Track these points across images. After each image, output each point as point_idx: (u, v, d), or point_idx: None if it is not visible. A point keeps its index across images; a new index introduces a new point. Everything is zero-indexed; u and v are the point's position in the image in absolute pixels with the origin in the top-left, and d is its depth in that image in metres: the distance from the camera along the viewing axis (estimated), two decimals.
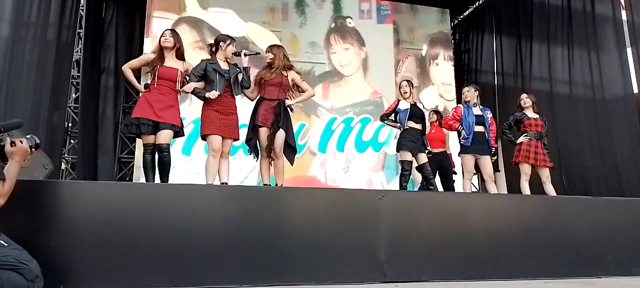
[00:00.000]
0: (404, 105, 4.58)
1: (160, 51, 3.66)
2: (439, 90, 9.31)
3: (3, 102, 5.39)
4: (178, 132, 3.69)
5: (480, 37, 10.08)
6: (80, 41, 7.46)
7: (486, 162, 4.55)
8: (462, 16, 10.45)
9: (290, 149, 3.92)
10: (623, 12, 6.32)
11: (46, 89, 6.11)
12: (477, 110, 4.65)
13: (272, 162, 3.87)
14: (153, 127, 3.51)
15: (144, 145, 3.57)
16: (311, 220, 2.75)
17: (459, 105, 4.82)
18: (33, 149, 2.19)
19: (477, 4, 9.90)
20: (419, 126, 4.52)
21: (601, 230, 3.29)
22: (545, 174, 4.53)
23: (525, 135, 4.71)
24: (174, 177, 4.84)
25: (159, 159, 3.53)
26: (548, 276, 2.99)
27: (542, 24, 7.91)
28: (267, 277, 2.51)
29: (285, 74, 3.91)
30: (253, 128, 3.89)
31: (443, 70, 9.52)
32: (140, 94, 3.74)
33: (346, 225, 2.75)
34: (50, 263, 2.22)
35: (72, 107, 7.67)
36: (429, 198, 3.28)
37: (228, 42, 3.83)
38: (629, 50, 6.16)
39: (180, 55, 3.74)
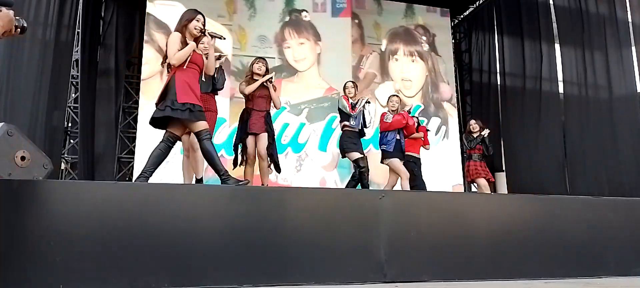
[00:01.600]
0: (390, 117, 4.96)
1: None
2: (396, 85, 9.03)
3: (3, 102, 5.39)
4: None
5: (480, 36, 10.08)
6: (79, 41, 7.46)
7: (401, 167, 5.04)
8: (462, 16, 10.44)
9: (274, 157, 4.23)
10: (627, 12, 6.32)
11: (46, 89, 6.11)
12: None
13: (258, 165, 4.09)
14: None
15: (170, 133, 3.24)
16: (311, 220, 2.75)
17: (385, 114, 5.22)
18: (19, 29, 1.97)
19: (477, 3, 9.90)
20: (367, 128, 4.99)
21: (601, 230, 3.29)
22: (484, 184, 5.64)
23: (473, 157, 5.81)
24: (172, 174, 4.88)
25: (208, 145, 3.21)
26: (548, 276, 2.99)
27: (543, 23, 7.91)
28: (267, 277, 2.51)
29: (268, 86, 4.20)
30: (242, 137, 4.06)
31: (402, 65, 9.28)
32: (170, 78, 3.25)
33: (346, 225, 2.75)
34: (50, 263, 2.22)
35: (71, 107, 7.68)
36: (429, 199, 3.28)
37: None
38: (633, 49, 6.16)
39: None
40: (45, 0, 6.17)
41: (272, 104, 4.26)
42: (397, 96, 5.38)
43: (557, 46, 7.62)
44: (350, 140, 4.72)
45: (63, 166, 7.66)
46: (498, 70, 9.54)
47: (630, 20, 6.23)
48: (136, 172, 7.54)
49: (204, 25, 3.32)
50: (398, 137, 5.04)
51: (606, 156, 6.36)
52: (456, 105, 9.80)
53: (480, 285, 2.63)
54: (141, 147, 7.62)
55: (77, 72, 7.58)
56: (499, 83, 9.58)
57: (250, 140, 4.09)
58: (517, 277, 2.94)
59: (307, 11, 8.89)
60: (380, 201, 2.85)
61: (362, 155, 4.71)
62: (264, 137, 4.09)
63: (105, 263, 2.32)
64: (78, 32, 7.37)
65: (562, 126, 7.37)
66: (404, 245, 2.81)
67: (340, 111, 4.90)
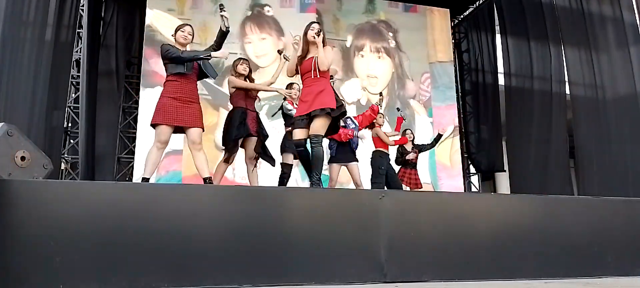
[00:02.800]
0: (290, 106, 4.72)
1: None
2: (363, 82, 8.90)
3: (3, 102, 5.38)
4: None
5: (480, 36, 10.07)
6: (80, 41, 7.46)
7: (353, 168, 4.95)
8: (462, 16, 10.44)
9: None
10: (626, 12, 6.32)
11: (46, 89, 6.11)
12: (341, 122, 4.87)
13: (253, 169, 4.12)
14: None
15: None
16: (311, 220, 2.75)
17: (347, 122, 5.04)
18: None
19: (477, 3, 9.89)
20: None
21: (601, 230, 3.29)
22: None
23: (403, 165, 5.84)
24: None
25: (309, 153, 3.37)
26: (548, 276, 2.99)
27: (545, 23, 7.90)
28: (267, 277, 2.51)
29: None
30: (242, 135, 4.04)
31: (369, 62, 9.12)
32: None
33: (346, 225, 2.75)
34: (50, 263, 2.22)
35: (72, 107, 7.68)
36: (430, 199, 3.28)
37: (177, 29, 3.78)
38: (632, 49, 6.16)
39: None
40: (45, 0, 6.17)
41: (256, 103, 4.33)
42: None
43: (560, 46, 7.62)
44: (287, 142, 4.64)
45: (63, 166, 7.66)
46: (498, 70, 9.54)
47: (638, 20, 6.23)
48: (136, 172, 7.55)
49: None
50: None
51: (613, 156, 6.36)
52: (457, 105, 9.79)
53: (481, 285, 2.63)
54: (141, 147, 7.63)
55: (78, 72, 7.58)
56: (499, 83, 9.57)
57: (250, 141, 4.13)
58: (517, 277, 2.94)
59: (270, 6, 8.69)
60: (380, 201, 2.85)
61: (290, 163, 4.60)
62: (254, 140, 4.16)
63: (105, 263, 2.32)
64: (78, 32, 7.38)
65: (566, 126, 7.37)
66: (404, 245, 2.81)
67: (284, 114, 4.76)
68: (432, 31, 9.77)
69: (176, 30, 3.70)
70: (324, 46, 3.43)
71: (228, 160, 4.10)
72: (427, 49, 9.61)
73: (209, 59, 3.62)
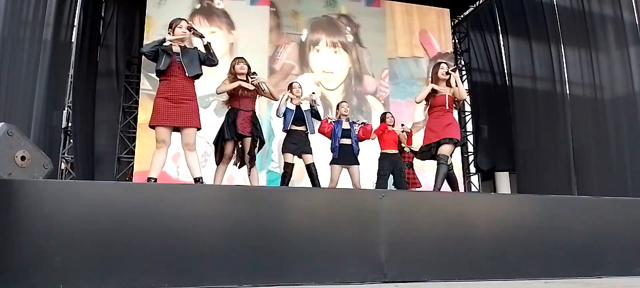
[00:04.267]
0: (291, 106, 4.63)
1: None
2: (317, 77, 8.65)
3: (3, 102, 5.38)
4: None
5: (480, 36, 10.07)
6: (79, 41, 7.46)
7: (354, 171, 4.98)
8: (462, 16, 10.44)
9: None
10: (626, 12, 6.32)
11: (45, 89, 6.11)
12: (346, 124, 5.02)
13: (250, 170, 4.08)
14: None
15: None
16: (311, 220, 2.75)
17: (328, 119, 5.12)
18: None
19: (477, 3, 9.89)
20: (302, 128, 4.60)
21: (601, 230, 3.29)
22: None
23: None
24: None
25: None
26: (548, 276, 2.99)
27: (547, 23, 7.91)
28: (267, 277, 2.51)
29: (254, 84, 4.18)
30: (231, 137, 4.02)
31: (324, 57, 8.86)
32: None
33: (346, 225, 2.75)
34: (50, 263, 2.22)
35: (71, 107, 7.68)
36: (430, 199, 3.28)
37: (174, 24, 3.64)
38: (631, 50, 6.16)
39: None
40: (44, 0, 6.16)
41: (256, 103, 4.25)
42: (345, 102, 5.33)
43: (560, 46, 7.62)
44: (287, 141, 4.63)
45: (63, 166, 7.66)
46: (498, 70, 9.53)
47: (637, 20, 6.24)
48: (136, 172, 7.54)
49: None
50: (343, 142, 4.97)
51: (612, 156, 6.36)
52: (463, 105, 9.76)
53: (481, 285, 2.63)
54: (141, 147, 7.62)
55: (77, 72, 7.57)
56: (499, 83, 9.57)
57: (231, 143, 4.06)
58: (517, 277, 2.94)
59: None
60: (380, 201, 2.85)
61: (291, 162, 4.56)
62: (248, 140, 4.07)
63: (105, 263, 2.32)
64: (78, 32, 7.38)
65: (568, 126, 7.37)
66: (404, 245, 2.81)
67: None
68: (393, 26, 9.52)
69: (172, 25, 3.59)
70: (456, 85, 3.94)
71: (221, 161, 4.07)
72: (388, 44, 9.37)
73: (163, 43, 3.44)
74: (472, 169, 10.19)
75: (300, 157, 4.61)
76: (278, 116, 4.66)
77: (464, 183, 9.50)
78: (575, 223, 3.25)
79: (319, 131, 5.01)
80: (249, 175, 4.15)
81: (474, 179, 10.23)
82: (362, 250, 2.72)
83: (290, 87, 4.80)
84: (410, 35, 9.60)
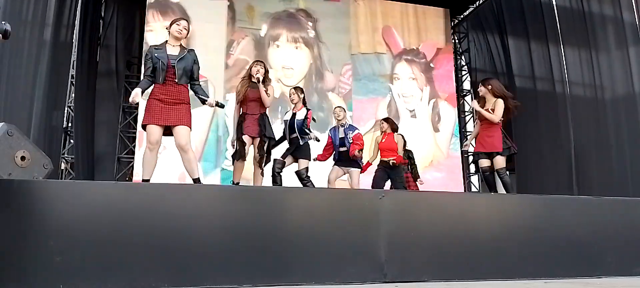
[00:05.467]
0: (287, 116, 4.72)
1: None
2: (278, 74, 8.40)
3: (2, 102, 5.38)
4: None
5: (480, 36, 10.07)
6: (79, 41, 7.47)
7: (353, 174, 5.01)
8: (462, 16, 10.44)
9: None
10: (626, 12, 6.31)
11: (45, 89, 6.11)
12: (341, 133, 5.02)
13: (257, 170, 4.13)
14: None
15: None
16: (311, 220, 2.75)
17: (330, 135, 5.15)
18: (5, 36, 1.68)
19: (477, 3, 9.89)
20: (294, 135, 4.60)
21: (601, 230, 3.29)
22: None
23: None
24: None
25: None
26: (548, 276, 2.99)
27: (546, 23, 7.91)
28: (267, 277, 2.51)
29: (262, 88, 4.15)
30: (237, 138, 4.11)
31: (284, 52, 8.64)
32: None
33: (346, 225, 2.75)
34: (50, 263, 2.22)
35: (71, 107, 7.67)
36: (430, 199, 3.28)
37: (171, 22, 3.65)
38: (631, 50, 6.15)
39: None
40: (44, 0, 6.16)
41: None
42: (341, 107, 5.27)
43: (560, 46, 7.62)
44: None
45: (63, 166, 7.66)
46: (498, 70, 9.53)
47: (637, 20, 6.24)
48: (136, 172, 7.55)
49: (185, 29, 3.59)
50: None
51: (612, 156, 6.36)
52: (455, 105, 9.75)
53: (481, 285, 2.63)
54: (141, 147, 7.63)
55: (77, 72, 7.58)
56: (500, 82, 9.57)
57: (246, 138, 4.11)
58: (517, 277, 2.94)
59: None
60: (380, 201, 2.85)
61: (281, 158, 4.61)
62: (256, 141, 4.13)
63: (104, 263, 2.32)
64: (78, 32, 7.38)
65: (569, 126, 7.37)
66: (404, 245, 2.81)
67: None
68: (355, 21, 9.27)
69: (171, 24, 3.59)
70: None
71: (238, 159, 4.14)
72: (350, 40, 9.13)
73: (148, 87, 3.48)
74: (472, 169, 10.19)
75: (296, 161, 4.63)
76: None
77: (464, 184, 9.49)
78: (575, 223, 3.25)
79: (319, 159, 5.03)
80: (253, 175, 4.18)
81: (474, 179, 10.22)
82: (362, 250, 2.72)
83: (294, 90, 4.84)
84: (373, 31, 9.34)
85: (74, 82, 7.66)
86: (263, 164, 4.15)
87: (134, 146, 7.96)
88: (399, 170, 5.29)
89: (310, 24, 8.94)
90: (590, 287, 2.56)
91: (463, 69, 10.46)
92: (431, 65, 9.60)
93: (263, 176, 4.19)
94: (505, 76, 9.21)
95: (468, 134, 10.18)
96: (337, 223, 2.75)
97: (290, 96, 4.83)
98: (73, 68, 7.46)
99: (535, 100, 8.16)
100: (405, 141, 5.61)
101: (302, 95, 4.77)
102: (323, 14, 9.06)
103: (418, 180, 5.95)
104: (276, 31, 8.71)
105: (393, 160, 5.18)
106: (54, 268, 2.22)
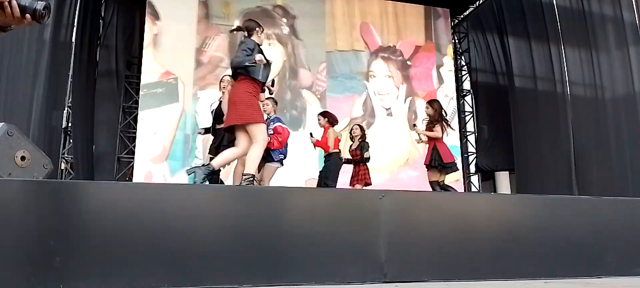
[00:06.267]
0: (214, 105, 4.63)
1: None
2: None
3: (2, 102, 5.38)
4: None
5: (480, 36, 10.07)
6: (79, 41, 7.47)
7: (265, 168, 4.84)
8: (462, 16, 10.44)
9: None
10: (626, 12, 6.31)
11: (45, 89, 6.11)
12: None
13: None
14: None
15: None
16: (311, 220, 2.75)
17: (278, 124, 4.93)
18: (35, 16, 1.44)
19: (477, 3, 9.89)
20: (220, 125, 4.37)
21: (601, 230, 3.29)
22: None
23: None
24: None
25: None
26: (548, 276, 2.99)
27: (547, 23, 7.91)
28: (267, 277, 2.51)
29: None
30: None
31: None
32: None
33: (346, 225, 2.75)
34: (50, 263, 2.22)
35: (71, 107, 7.68)
36: (430, 199, 3.28)
37: (263, 27, 3.93)
38: (632, 50, 6.15)
39: None
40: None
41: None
42: (271, 98, 5.23)
43: (561, 46, 7.62)
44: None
45: (63, 166, 7.66)
46: (499, 70, 9.53)
47: (637, 20, 6.23)
48: (136, 172, 7.54)
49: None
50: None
51: (612, 156, 6.36)
52: (456, 105, 9.76)
53: (480, 285, 2.63)
54: (141, 147, 7.62)
55: (77, 72, 7.57)
56: (500, 82, 9.56)
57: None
58: (517, 277, 2.94)
59: None
60: (380, 201, 2.84)
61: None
62: None
63: (104, 263, 2.32)
64: (77, 32, 7.38)
65: (569, 126, 7.37)
66: (404, 245, 2.81)
67: None
68: (332, 18, 9.16)
69: (263, 29, 3.86)
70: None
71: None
72: (326, 37, 9.01)
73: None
74: (472, 169, 10.19)
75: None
76: None
77: (464, 184, 9.49)
78: (575, 223, 3.24)
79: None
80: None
81: (474, 179, 10.22)
82: (362, 250, 2.72)
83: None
84: (351, 28, 9.23)
85: (73, 82, 7.67)
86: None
87: (134, 146, 7.95)
88: (329, 163, 5.43)
89: (284, 20, 8.79)
90: (590, 287, 2.56)
91: (463, 69, 10.45)
92: (408, 63, 9.45)
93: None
94: (505, 76, 9.21)
95: (468, 133, 10.19)
96: (337, 223, 2.75)
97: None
98: (73, 68, 7.46)
99: (535, 100, 8.16)
100: (336, 135, 5.62)
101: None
102: (301, 10, 8.91)
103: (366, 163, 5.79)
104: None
105: (327, 153, 5.40)
106: (54, 268, 2.22)
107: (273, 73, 8.47)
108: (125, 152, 8.34)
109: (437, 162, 4.89)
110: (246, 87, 3.56)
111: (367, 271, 2.69)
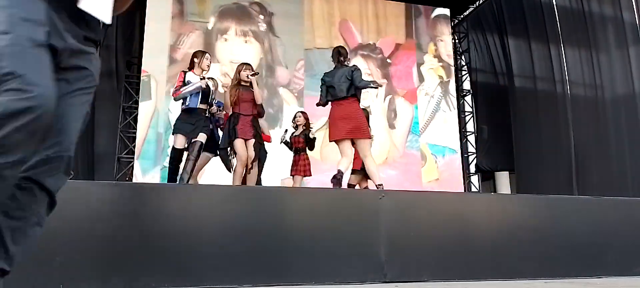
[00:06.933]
0: (195, 78, 4.14)
1: None
2: (224, 68, 7.98)
3: None
4: None
5: (480, 36, 10.06)
6: None
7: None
8: (462, 16, 10.43)
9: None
10: (626, 12, 6.31)
11: None
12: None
13: (250, 171, 4.12)
14: None
15: None
16: (311, 220, 2.75)
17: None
18: None
19: (477, 3, 9.88)
20: (204, 106, 4.20)
21: (601, 230, 3.29)
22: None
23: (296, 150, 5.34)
24: None
25: None
26: (548, 276, 2.99)
27: (547, 23, 7.91)
28: (267, 277, 2.51)
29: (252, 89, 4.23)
30: (230, 141, 4.09)
31: (233, 46, 8.26)
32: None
33: (346, 225, 2.75)
34: (50, 263, 2.22)
35: None
36: (430, 199, 3.28)
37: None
38: (632, 50, 6.15)
39: None
40: None
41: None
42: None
43: (561, 46, 7.62)
44: (181, 121, 4.20)
45: None
46: (499, 70, 9.53)
47: (637, 20, 6.23)
48: (136, 172, 7.54)
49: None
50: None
51: (612, 156, 6.36)
52: (456, 105, 9.74)
53: (480, 285, 2.63)
54: (141, 147, 7.62)
55: None
56: (500, 83, 9.56)
57: (239, 142, 4.11)
58: (517, 277, 2.94)
59: None
60: (380, 201, 2.85)
61: (180, 147, 4.15)
62: (251, 143, 4.16)
63: (104, 263, 2.32)
64: None
65: (569, 126, 7.37)
66: (404, 245, 2.81)
67: None
68: (311, 15, 8.96)
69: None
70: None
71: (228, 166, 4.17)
72: (305, 34, 8.79)
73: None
74: (472, 169, 10.19)
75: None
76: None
77: (464, 184, 9.49)
78: (575, 223, 3.25)
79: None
80: (248, 174, 4.20)
81: (474, 179, 10.22)
82: (362, 250, 2.72)
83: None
84: (330, 25, 9.05)
85: None
86: (252, 164, 4.17)
87: (134, 146, 7.96)
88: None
89: (261, 17, 8.59)
90: (591, 287, 2.56)
91: (463, 69, 10.45)
92: (388, 60, 9.31)
93: (251, 174, 4.20)
94: (505, 76, 9.21)
95: (468, 133, 10.19)
96: (337, 223, 2.75)
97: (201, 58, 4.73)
98: None
99: (535, 100, 8.16)
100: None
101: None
102: (279, 7, 8.73)
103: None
104: (224, 24, 8.36)
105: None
106: (54, 268, 2.22)
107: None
108: (125, 152, 8.34)
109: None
110: (358, 106, 4.02)
111: (367, 271, 2.70)
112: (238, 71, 4.33)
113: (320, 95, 4.15)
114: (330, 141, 4.03)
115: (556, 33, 7.65)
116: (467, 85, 10.42)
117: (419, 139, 9.11)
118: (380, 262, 2.71)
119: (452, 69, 9.84)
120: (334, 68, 4.11)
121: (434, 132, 9.21)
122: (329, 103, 4.08)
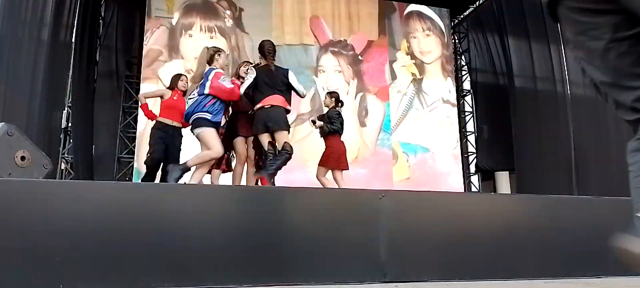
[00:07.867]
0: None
1: None
2: (187, 64, 7.78)
3: (2, 102, 5.38)
4: None
5: (480, 36, 10.05)
6: (79, 41, 7.47)
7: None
8: (462, 16, 10.43)
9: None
10: None
11: (45, 89, 6.11)
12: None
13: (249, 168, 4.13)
14: None
15: None
16: (311, 220, 2.75)
17: None
18: None
19: (477, 3, 9.88)
20: None
21: (601, 230, 3.27)
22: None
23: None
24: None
25: None
26: (548, 276, 2.99)
27: (546, 23, 7.90)
28: (267, 277, 2.51)
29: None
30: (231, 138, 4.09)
31: (197, 42, 8.04)
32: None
33: (346, 225, 2.75)
34: (50, 263, 2.22)
35: (71, 107, 7.67)
36: (430, 199, 3.28)
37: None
38: None
39: None
40: (43, 0, 6.17)
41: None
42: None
43: (561, 46, 7.62)
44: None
45: (63, 166, 7.65)
46: (499, 70, 9.52)
47: None
48: (136, 172, 7.54)
49: None
50: None
51: (612, 156, 6.36)
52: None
53: (480, 285, 2.63)
54: (141, 147, 7.62)
55: (77, 72, 7.57)
56: (500, 82, 9.56)
57: (240, 141, 4.11)
58: (517, 277, 2.93)
59: None
60: (380, 201, 2.84)
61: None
62: (250, 140, 4.16)
63: (105, 263, 2.32)
64: (77, 32, 7.38)
65: (569, 126, 7.37)
66: (404, 245, 2.81)
67: None
68: (281, 11, 8.84)
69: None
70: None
71: (219, 166, 4.14)
72: (274, 30, 8.60)
73: None
74: (472, 169, 10.19)
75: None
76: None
77: (464, 184, 9.48)
78: (575, 223, 3.24)
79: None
80: (247, 172, 4.21)
81: (474, 179, 10.22)
82: (362, 250, 2.72)
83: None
84: (300, 21, 8.90)
85: (73, 82, 7.67)
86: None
87: (134, 146, 7.96)
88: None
89: (228, 12, 8.48)
90: (590, 287, 2.56)
91: (463, 69, 10.45)
92: (360, 57, 9.19)
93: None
94: (505, 76, 9.21)
95: (468, 133, 10.19)
96: (337, 223, 2.75)
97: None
98: (72, 68, 7.46)
99: (536, 100, 8.16)
100: None
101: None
102: (247, 3, 8.62)
103: None
104: (189, 20, 8.24)
105: None
106: (54, 268, 2.22)
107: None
108: (125, 152, 8.34)
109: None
110: None
111: (367, 271, 2.69)
112: (238, 68, 4.34)
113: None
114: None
115: (556, 33, 7.64)
116: (467, 85, 10.42)
117: (390, 137, 8.98)
118: (380, 262, 2.71)
119: (427, 66, 9.63)
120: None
121: (406, 130, 9.09)
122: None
